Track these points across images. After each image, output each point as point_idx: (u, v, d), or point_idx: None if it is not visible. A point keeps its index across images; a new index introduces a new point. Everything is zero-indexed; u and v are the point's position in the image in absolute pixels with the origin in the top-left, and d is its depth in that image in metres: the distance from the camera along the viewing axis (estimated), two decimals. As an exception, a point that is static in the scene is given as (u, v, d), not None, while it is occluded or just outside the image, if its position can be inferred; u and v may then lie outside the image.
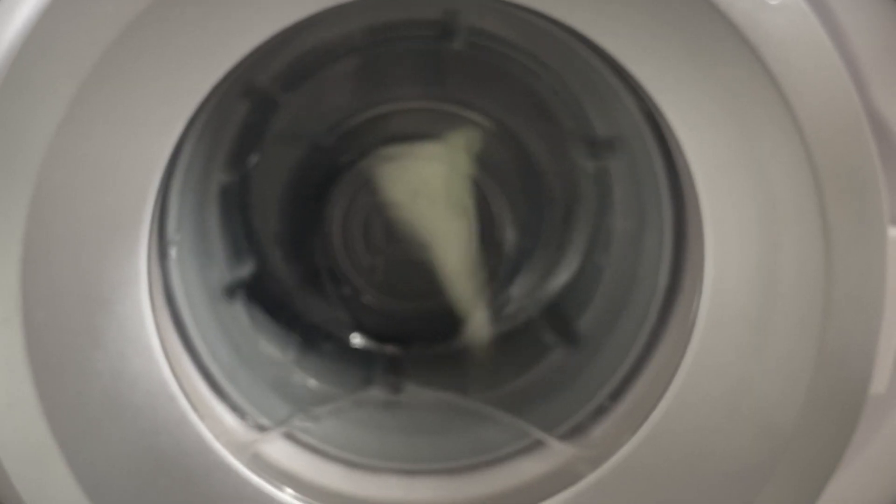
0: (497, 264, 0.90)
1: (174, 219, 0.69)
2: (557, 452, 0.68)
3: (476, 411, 0.77)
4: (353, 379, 0.83)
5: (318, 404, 0.75)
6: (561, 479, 0.64)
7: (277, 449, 0.68)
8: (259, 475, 0.62)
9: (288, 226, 0.89)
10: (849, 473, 0.62)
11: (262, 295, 0.85)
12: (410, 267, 0.90)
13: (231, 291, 0.82)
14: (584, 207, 0.85)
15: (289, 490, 0.63)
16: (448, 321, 0.88)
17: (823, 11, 0.58)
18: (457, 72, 0.86)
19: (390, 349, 0.89)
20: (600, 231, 0.83)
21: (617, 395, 0.69)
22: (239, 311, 0.83)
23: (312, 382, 0.81)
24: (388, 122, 0.88)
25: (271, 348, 0.83)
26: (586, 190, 0.84)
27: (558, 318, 0.85)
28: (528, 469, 0.68)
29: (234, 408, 0.69)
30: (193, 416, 0.60)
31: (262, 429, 0.69)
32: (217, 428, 0.63)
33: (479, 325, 0.88)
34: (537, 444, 0.69)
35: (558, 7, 0.56)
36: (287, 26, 0.56)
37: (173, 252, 0.69)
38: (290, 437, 0.70)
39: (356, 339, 0.90)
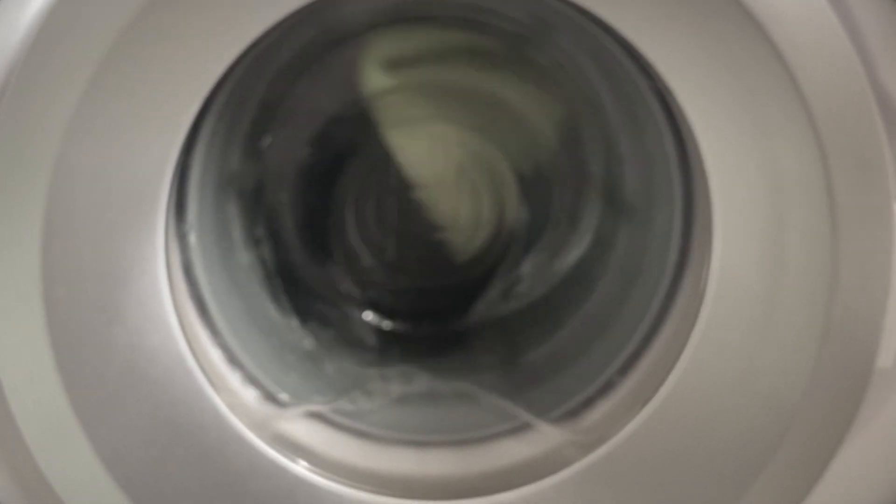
0: (508, 243, 0.91)
1: (193, 196, 0.70)
2: (552, 435, 0.69)
3: (470, 393, 0.77)
4: (365, 357, 0.83)
5: (331, 380, 0.76)
6: (551, 461, 0.65)
7: (292, 421, 0.69)
8: (273, 448, 0.62)
9: (301, 204, 0.90)
10: (855, 447, 0.62)
11: (275, 271, 0.86)
12: (421, 245, 0.91)
13: (244, 264, 0.83)
14: (594, 186, 0.85)
15: (303, 462, 0.64)
16: (457, 300, 0.89)
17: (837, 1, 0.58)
18: (476, 53, 0.86)
19: (400, 326, 0.90)
20: (610, 208, 0.84)
21: (624, 370, 0.70)
22: (256, 288, 0.84)
23: (328, 359, 0.82)
24: (403, 99, 0.89)
25: (288, 325, 0.84)
26: (596, 170, 0.85)
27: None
28: (523, 449, 0.69)
29: (251, 382, 0.70)
30: (210, 390, 0.61)
31: (277, 403, 0.70)
32: (233, 402, 0.64)
33: (489, 304, 0.89)
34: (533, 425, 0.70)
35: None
36: (306, 4, 0.56)
37: (193, 237, 0.70)
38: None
39: (367, 317, 0.91)
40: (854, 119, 0.58)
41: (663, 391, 0.61)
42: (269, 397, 0.70)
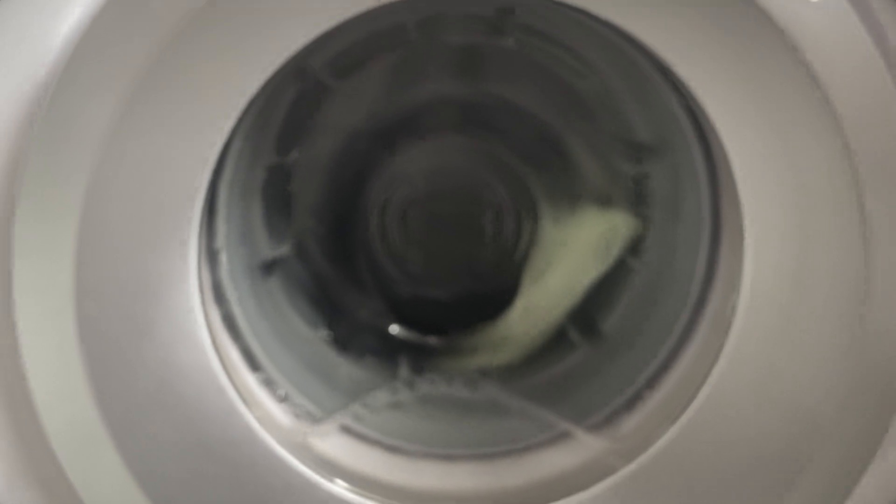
0: (535, 254, 0.91)
1: (222, 214, 0.70)
2: (588, 445, 0.68)
3: (506, 402, 0.77)
4: (393, 369, 0.84)
5: (363, 395, 0.76)
6: (594, 470, 0.65)
7: (324, 436, 0.69)
8: (305, 464, 0.62)
9: (327, 217, 0.90)
10: (886, 462, 0.62)
11: (303, 286, 0.87)
12: (446, 258, 0.91)
13: (272, 280, 0.84)
14: (621, 199, 0.85)
15: (339, 481, 0.64)
16: (483, 311, 0.89)
17: (863, 9, 0.58)
18: (502, 68, 0.87)
19: (426, 339, 0.90)
20: (638, 221, 0.84)
21: (653, 384, 0.70)
22: (284, 304, 0.84)
23: (357, 374, 0.82)
24: (430, 114, 0.89)
25: (316, 339, 0.84)
26: (624, 184, 0.85)
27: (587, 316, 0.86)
28: (562, 459, 0.69)
29: (281, 398, 0.70)
30: (241, 407, 0.61)
31: (310, 419, 0.70)
32: (265, 418, 0.65)
33: (516, 315, 0.89)
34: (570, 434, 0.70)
35: (603, 5, 0.57)
36: (344, 20, 0.57)
37: (224, 255, 0.70)
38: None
39: (394, 329, 0.91)
40: (884, 131, 0.58)
41: (698, 400, 0.62)
42: (300, 411, 0.70)
